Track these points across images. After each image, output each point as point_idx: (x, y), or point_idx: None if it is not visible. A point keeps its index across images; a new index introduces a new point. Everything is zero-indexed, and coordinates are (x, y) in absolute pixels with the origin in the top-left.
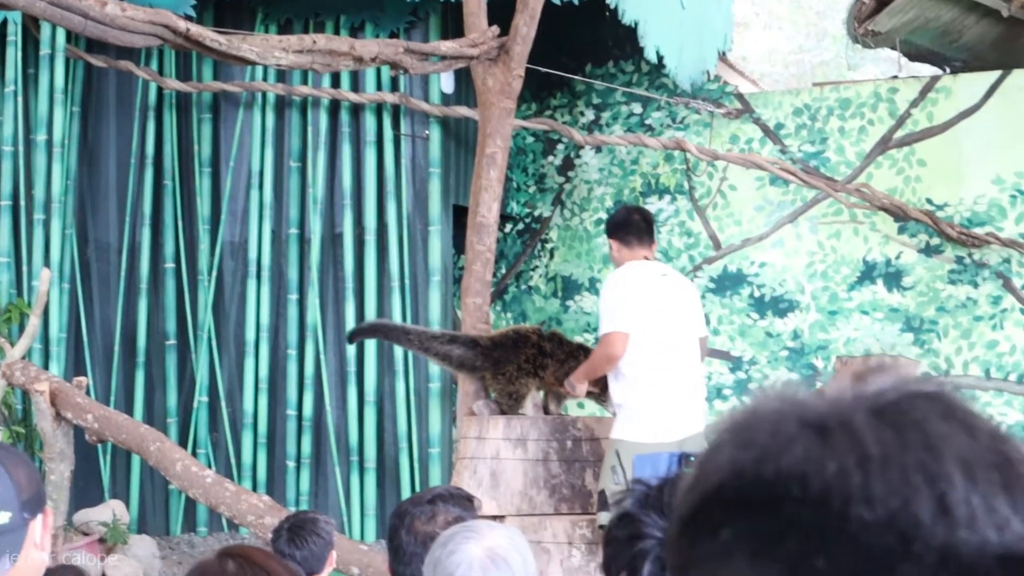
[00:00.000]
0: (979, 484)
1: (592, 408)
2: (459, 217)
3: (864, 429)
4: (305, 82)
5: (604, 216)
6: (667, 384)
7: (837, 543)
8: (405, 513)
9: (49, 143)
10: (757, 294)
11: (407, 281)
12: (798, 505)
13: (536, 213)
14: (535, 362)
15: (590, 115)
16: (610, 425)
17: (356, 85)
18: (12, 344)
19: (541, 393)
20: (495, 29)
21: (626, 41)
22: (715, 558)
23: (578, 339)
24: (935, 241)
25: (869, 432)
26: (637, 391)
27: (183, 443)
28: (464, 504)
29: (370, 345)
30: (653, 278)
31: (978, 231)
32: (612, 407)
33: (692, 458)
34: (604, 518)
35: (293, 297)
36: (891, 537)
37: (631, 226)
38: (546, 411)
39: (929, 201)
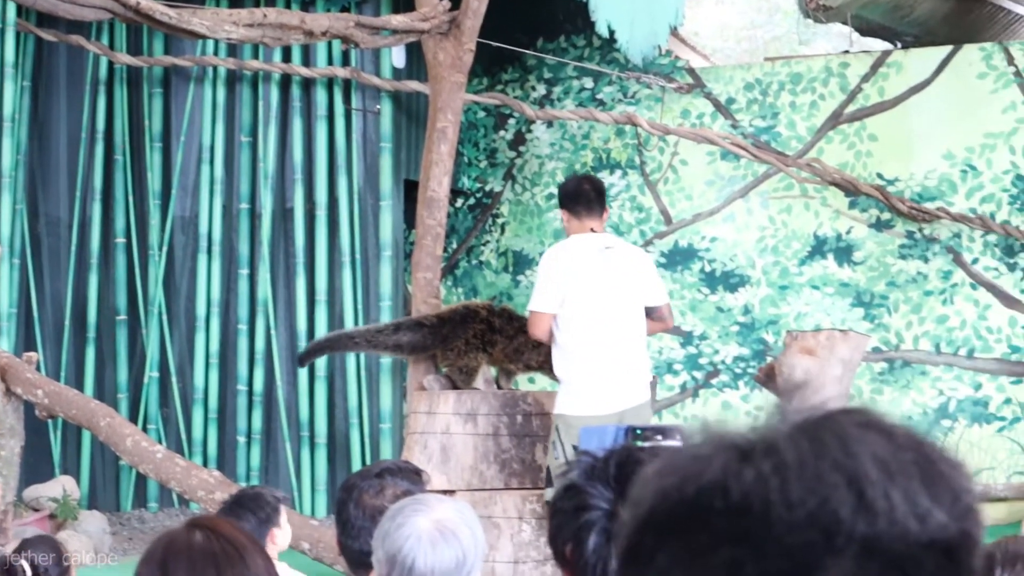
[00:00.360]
0: (898, 480)
1: (543, 382)
2: (410, 192)
3: (782, 441)
4: (256, 56)
5: (555, 191)
6: (605, 357)
7: (763, 546)
8: (353, 487)
9: None
10: (708, 269)
11: (358, 256)
12: (722, 516)
13: (487, 188)
14: (483, 338)
15: (541, 89)
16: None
17: (307, 59)
18: None
19: (494, 369)
20: (446, 3)
21: (577, 16)
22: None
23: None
24: (886, 216)
25: (787, 443)
26: (575, 365)
27: (133, 418)
28: (412, 478)
29: (321, 319)
30: (591, 252)
31: (929, 206)
32: None
33: (638, 431)
34: (549, 494)
35: (244, 272)
36: (813, 534)
37: (581, 197)
38: (498, 386)
39: (880, 176)
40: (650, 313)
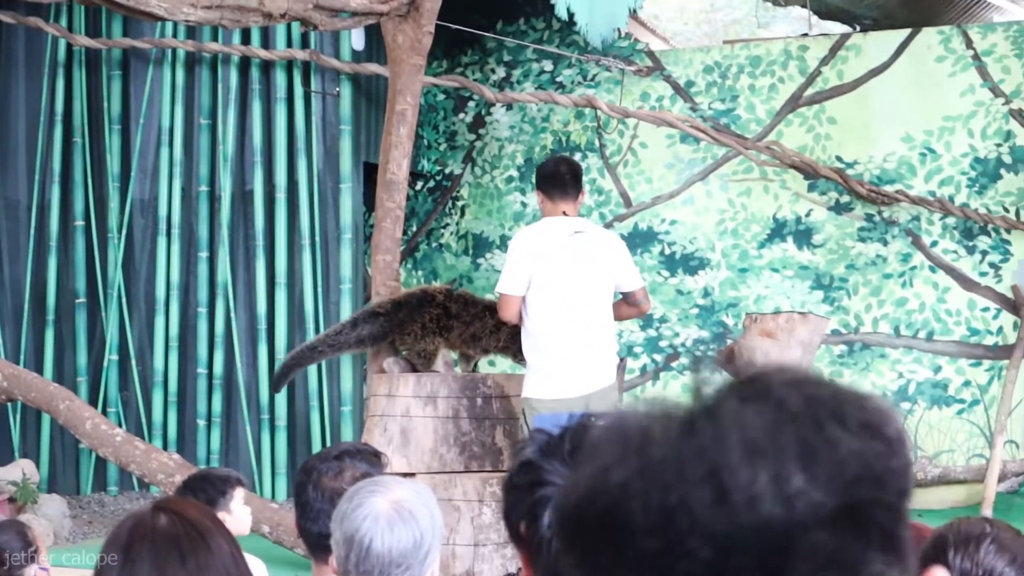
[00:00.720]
0: (765, 463)
1: (503, 365)
2: (370, 175)
3: (656, 439)
4: (215, 39)
5: (515, 174)
6: (572, 341)
7: (627, 556)
8: (312, 469)
9: None
10: (668, 252)
11: (318, 239)
12: (594, 529)
13: (447, 171)
14: (440, 323)
15: (501, 72)
16: (520, 382)
17: (266, 42)
18: None
19: (455, 352)
20: None
21: None
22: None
23: (489, 297)
24: (845, 199)
25: (660, 439)
26: (541, 348)
27: (93, 402)
28: (371, 460)
29: (280, 302)
30: (561, 236)
31: (888, 189)
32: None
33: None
34: None
35: (203, 255)
36: (665, 539)
37: (556, 179)
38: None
39: (839, 159)
40: (625, 298)
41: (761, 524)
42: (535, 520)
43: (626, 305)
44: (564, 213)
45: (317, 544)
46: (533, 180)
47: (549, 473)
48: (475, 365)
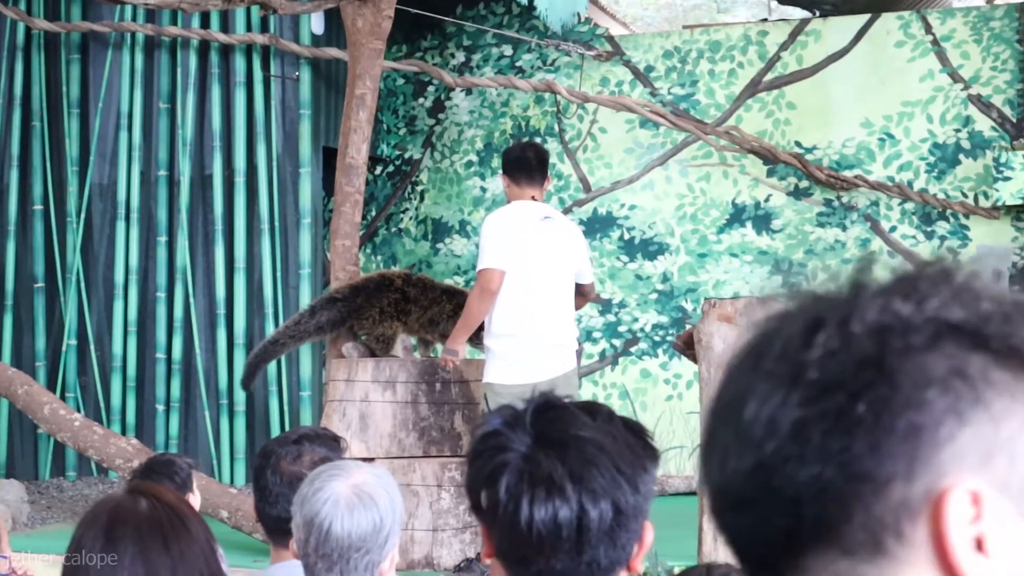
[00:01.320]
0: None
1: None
2: (329, 159)
3: None
4: (174, 22)
5: (475, 159)
6: (536, 326)
7: None
8: (271, 453)
9: None
10: (627, 237)
11: (277, 223)
12: None
13: (407, 155)
14: (398, 307)
15: (461, 57)
16: (479, 367)
17: (226, 26)
18: None
19: (414, 338)
20: None
21: None
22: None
23: (448, 282)
24: (804, 184)
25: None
26: (507, 333)
27: (51, 387)
28: (330, 444)
29: (239, 287)
30: (532, 220)
31: (847, 174)
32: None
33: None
34: None
35: (162, 239)
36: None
37: (522, 164)
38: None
39: (798, 144)
40: (577, 289)
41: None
42: (495, 483)
43: (577, 296)
44: (532, 198)
45: (276, 528)
46: (493, 165)
47: (512, 441)
48: (433, 350)
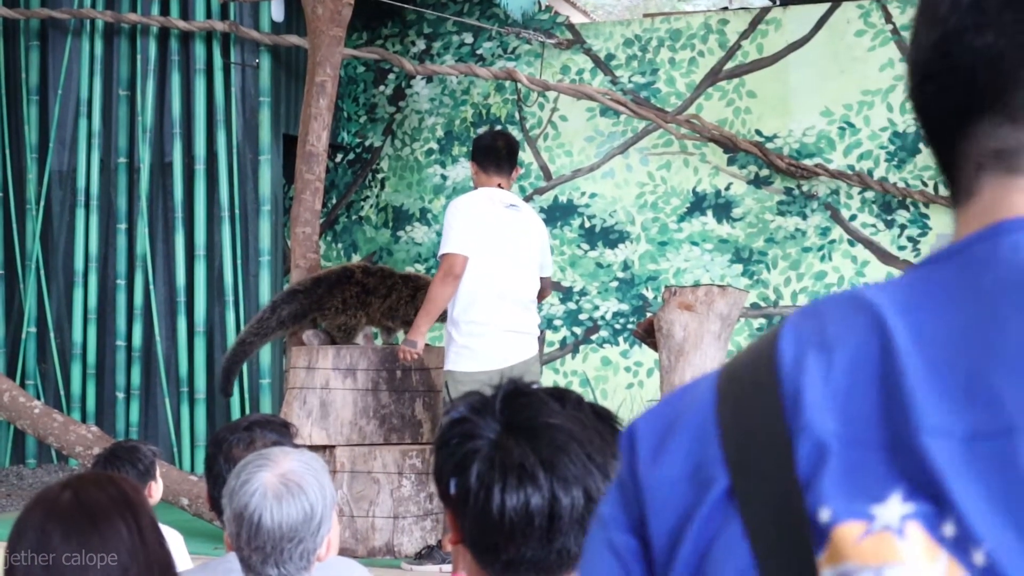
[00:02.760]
0: None
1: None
2: (289, 147)
3: None
4: (134, 9)
5: (435, 146)
6: (504, 312)
7: None
8: (223, 440)
9: None
10: (587, 225)
11: (237, 211)
12: None
13: (367, 143)
14: (359, 299)
15: (421, 45)
16: (440, 355)
17: (185, 13)
18: None
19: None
20: None
21: None
22: None
23: (409, 270)
24: (764, 172)
25: None
26: (470, 320)
27: (11, 374)
28: (281, 430)
29: (199, 275)
30: (497, 207)
31: (807, 163)
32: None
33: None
34: None
35: (122, 227)
36: None
37: (492, 152)
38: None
39: (759, 132)
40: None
41: None
42: (464, 471)
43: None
44: (499, 186)
45: None
46: (453, 153)
47: (481, 428)
48: (395, 338)
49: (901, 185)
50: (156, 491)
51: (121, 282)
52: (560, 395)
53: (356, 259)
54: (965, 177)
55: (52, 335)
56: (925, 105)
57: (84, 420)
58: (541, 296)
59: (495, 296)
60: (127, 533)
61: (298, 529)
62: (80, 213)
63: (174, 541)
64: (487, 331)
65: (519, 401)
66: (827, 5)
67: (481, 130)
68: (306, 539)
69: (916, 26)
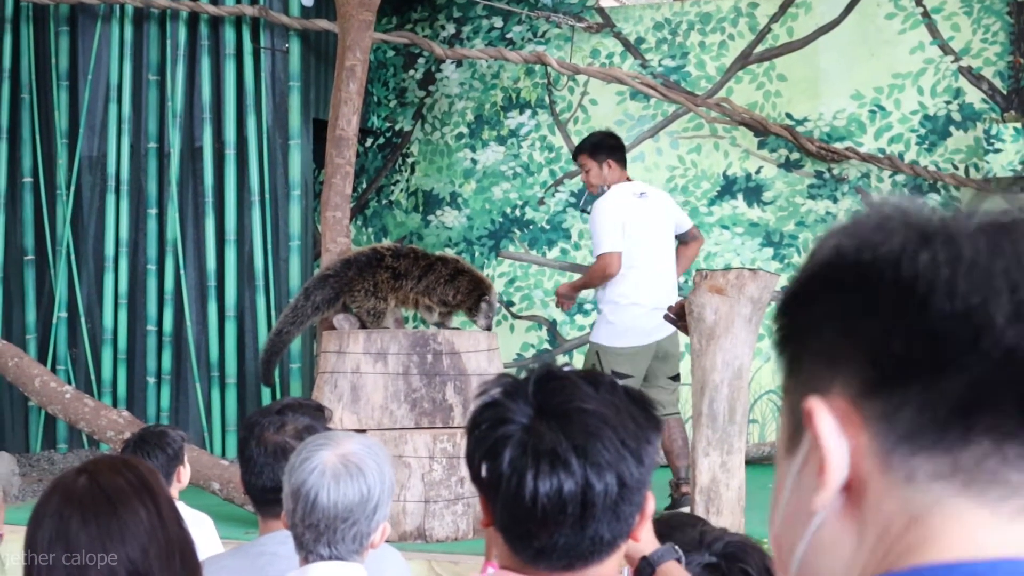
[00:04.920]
0: None
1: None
2: (319, 131)
3: (962, 235)
4: None
5: (465, 131)
6: (651, 295)
7: (914, 327)
8: (255, 424)
9: None
10: None
11: (267, 195)
12: (887, 288)
13: (397, 127)
14: (390, 284)
15: (451, 29)
16: (470, 339)
17: None
18: None
19: (403, 309)
20: None
21: None
22: (808, 329)
23: (440, 252)
24: (795, 156)
25: (966, 238)
26: (629, 300)
27: (42, 359)
28: (314, 414)
29: (230, 259)
30: (634, 199)
31: (837, 146)
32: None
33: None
34: None
35: (152, 212)
36: (964, 330)
37: (621, 148)
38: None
39: (789, 116)
40: (683, 237)
41: None
42: (496, 457)
43: (689, 244)
44: (628, 179)
45: (262, 499)
46: (483, 137)
47: (513, 412)
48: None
49: (932, 168)
50: (184, 475)
51: (151, 267)
52: (594, 379)
53: (386, 242)
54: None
55: (83, 320)
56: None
57: (115, 405)
58: (697, 246)
59: (644, 281)
60: (146, 516)
61: (353, 510)
62: (110, 198)
63: (204, 525)
64: (638, 313)
65: (551, 385)
66: None
67: (512, 114)
68: (360, 521)
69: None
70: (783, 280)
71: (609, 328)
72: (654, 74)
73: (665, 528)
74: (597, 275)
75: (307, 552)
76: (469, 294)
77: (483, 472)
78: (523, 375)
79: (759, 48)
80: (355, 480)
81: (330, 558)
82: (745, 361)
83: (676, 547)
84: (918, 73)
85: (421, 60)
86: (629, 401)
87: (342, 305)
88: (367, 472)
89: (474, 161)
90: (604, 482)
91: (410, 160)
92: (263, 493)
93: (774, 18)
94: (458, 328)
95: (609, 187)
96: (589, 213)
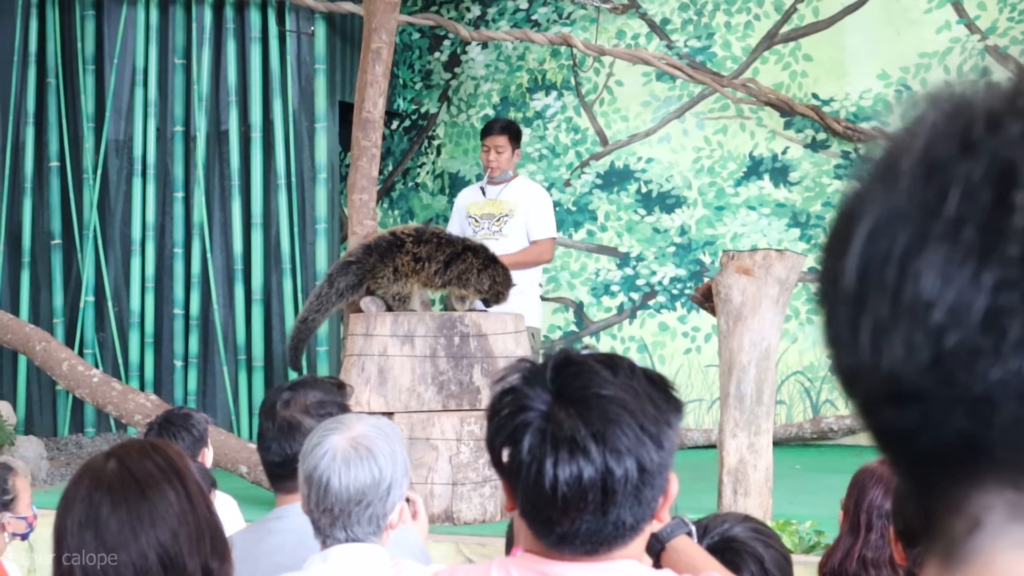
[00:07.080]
0: None
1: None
2: (345, 114)
3: None
4: None
5: (491, 112)
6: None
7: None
8: (267, 402)
9: None
10: (644, 190)
11: (293, 178)
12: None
13: (423, 109)
14: (412, 269)
15: (476, 10)
16: (498, 321)
17: None
18: None
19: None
20: None
21: None
22: (884, 197)
23: (465, 238)
24: (821, 136)
25: None
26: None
27: (69, 343)
28: (327, 388)
29: (256, 242)
30: None
31: (864, 126)
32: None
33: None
34: None
35: (179, 195)
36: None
37: None
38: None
39: (815, 96)
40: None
41: None
42: (516, 444)
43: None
44: None
45: (273, 474)
46: (510, 119)
47: (532, 399)
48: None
49: None
50: (208, 456)
51: (178, 250)
52: (612, 363)
53: (408, 224)
54: (950, 530)
55: (110, 304)
56: (902, 434)
57: (142, 388)
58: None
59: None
60: (175, 500)
61: (366, 493)
62: (137, 182)
63: (229, 507)
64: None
65: (570, 370)
66: None
67: (537, 96)
68: (374, 503)
69: (866, 308)
70: (810, 261)
71: (540, 308)
72: (680, 55)
73: None
74: (534, 256)
75: (324, 536)
76: (506, 282)
77: (504, 458)
78: (541, 360)
79: (785, 28)
80: (365, 463)
81: (347, 541)
82: (772, 342)
83: (686, 519)
84: (944, 52)
85: (447, 42)
86: (648, 384)
87: (366, 290)
88: (378, 454)
89: None
90: (624, 468)
91: (436, 142)
92: (272, 468)
93: None
94: (484, 310)
95: (514, 174)
96: (486, 195)
